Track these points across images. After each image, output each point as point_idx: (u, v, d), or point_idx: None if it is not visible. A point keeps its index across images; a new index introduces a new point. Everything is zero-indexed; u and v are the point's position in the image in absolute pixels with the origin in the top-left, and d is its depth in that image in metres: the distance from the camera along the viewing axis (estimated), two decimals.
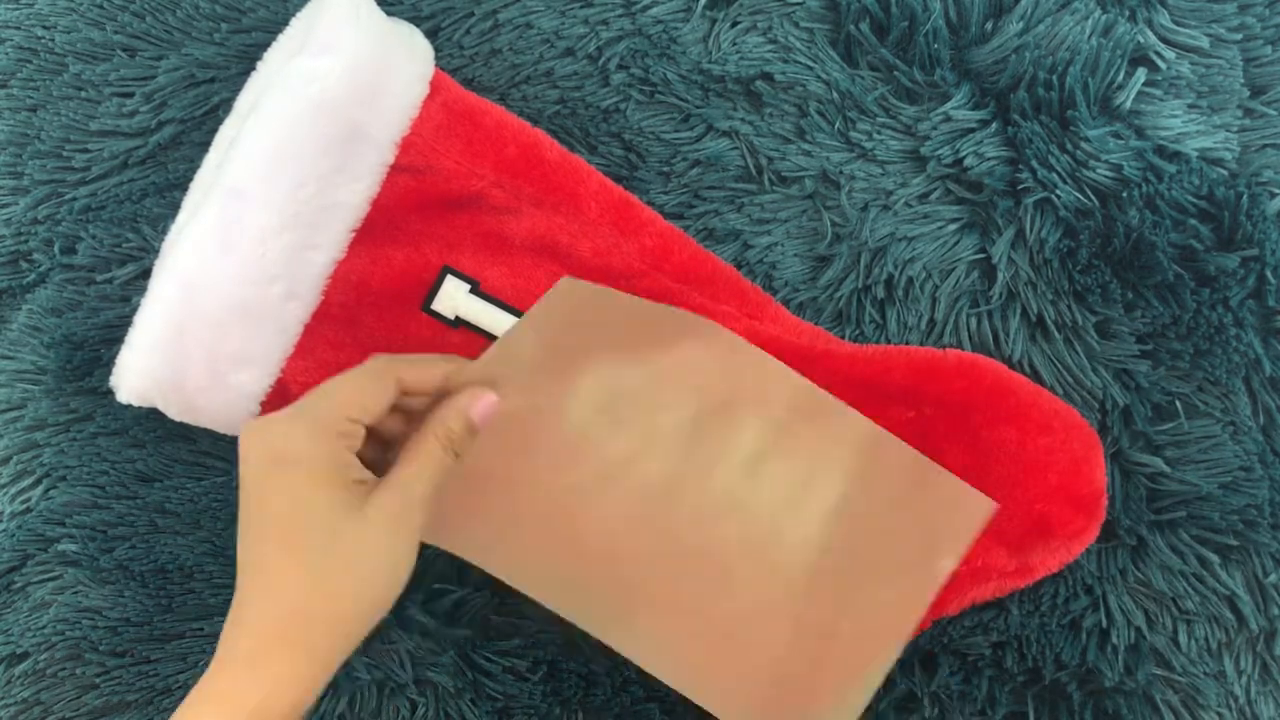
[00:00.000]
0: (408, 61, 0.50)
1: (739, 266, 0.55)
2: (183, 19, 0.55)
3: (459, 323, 0.52)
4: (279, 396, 0.50)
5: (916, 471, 0.50)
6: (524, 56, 0.55)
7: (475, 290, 0.52)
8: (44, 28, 0.55)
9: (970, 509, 0.50)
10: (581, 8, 0.55)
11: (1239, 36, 0.56)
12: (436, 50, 0.54)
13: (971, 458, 0.53)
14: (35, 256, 0.55)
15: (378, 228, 0.51)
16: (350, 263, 0.50)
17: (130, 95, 0.55)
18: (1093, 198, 0.55)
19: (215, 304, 0.47)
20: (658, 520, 0.49)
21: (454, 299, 0.52)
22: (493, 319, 0.52)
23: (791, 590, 0.49)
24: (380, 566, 0.41)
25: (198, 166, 0.52)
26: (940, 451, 0.52)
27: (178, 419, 0.50)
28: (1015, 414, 0.53)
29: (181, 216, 0.51)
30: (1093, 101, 0.56)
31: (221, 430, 0.51)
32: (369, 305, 0.52)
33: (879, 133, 0.56)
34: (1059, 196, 0.55)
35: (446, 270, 0.52)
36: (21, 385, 0.54)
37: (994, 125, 0.56)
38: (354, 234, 0.50)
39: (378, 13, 0.50)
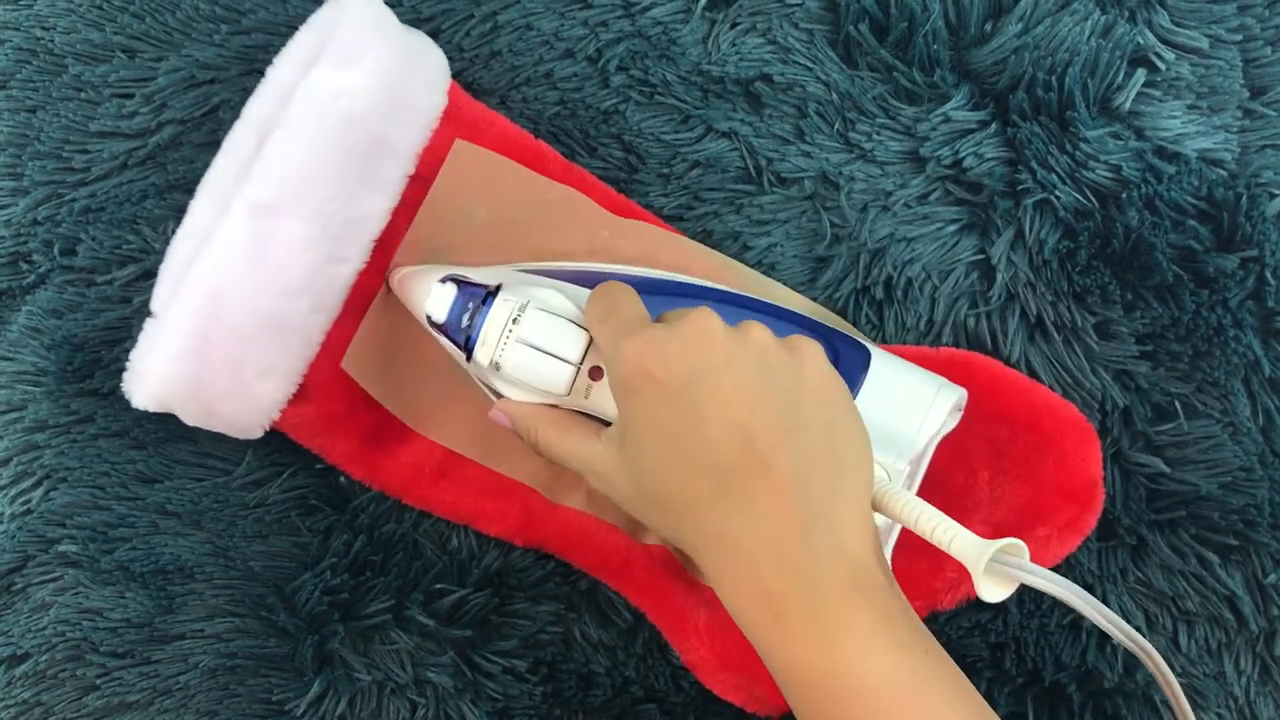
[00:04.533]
0: (428, 72, 0.50)
1: None
2: (182, 20, 0.55)
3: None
4: (299, 399, 0.50)
5: None
6: (524, 58, 0.55)
7: None
8: (43, 29, 0.55)
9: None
10: (581, 9, 0.55)
11: (1238, 37, 0.56)
12: None
13: (965, 452, 0.53)
14: (35, 258, 0.55)
15: (391, 233, 0.51)
16: (369, 268, 0.50)
17: (130, 96, 0.55)
18: (1092, 199, 0.55)
19: (243, 316, 0.47)
20: None
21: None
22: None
23: None
24: None
25: (198, 168, 0.52)
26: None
27: (192, 424, 0.50)
28: (1008, 409, 0.53)
29: (189, 220, 0.50)
30: (1092, 102, 0.55)
31: (235, 435, 0.51)
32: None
33: (878, 134, 0.56)
34: (1058, 197, 0.55)
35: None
36: (22, 387, 0.54)
37: (993, 126, 0.56)
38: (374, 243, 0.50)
39: (395, 20, 0.50)
